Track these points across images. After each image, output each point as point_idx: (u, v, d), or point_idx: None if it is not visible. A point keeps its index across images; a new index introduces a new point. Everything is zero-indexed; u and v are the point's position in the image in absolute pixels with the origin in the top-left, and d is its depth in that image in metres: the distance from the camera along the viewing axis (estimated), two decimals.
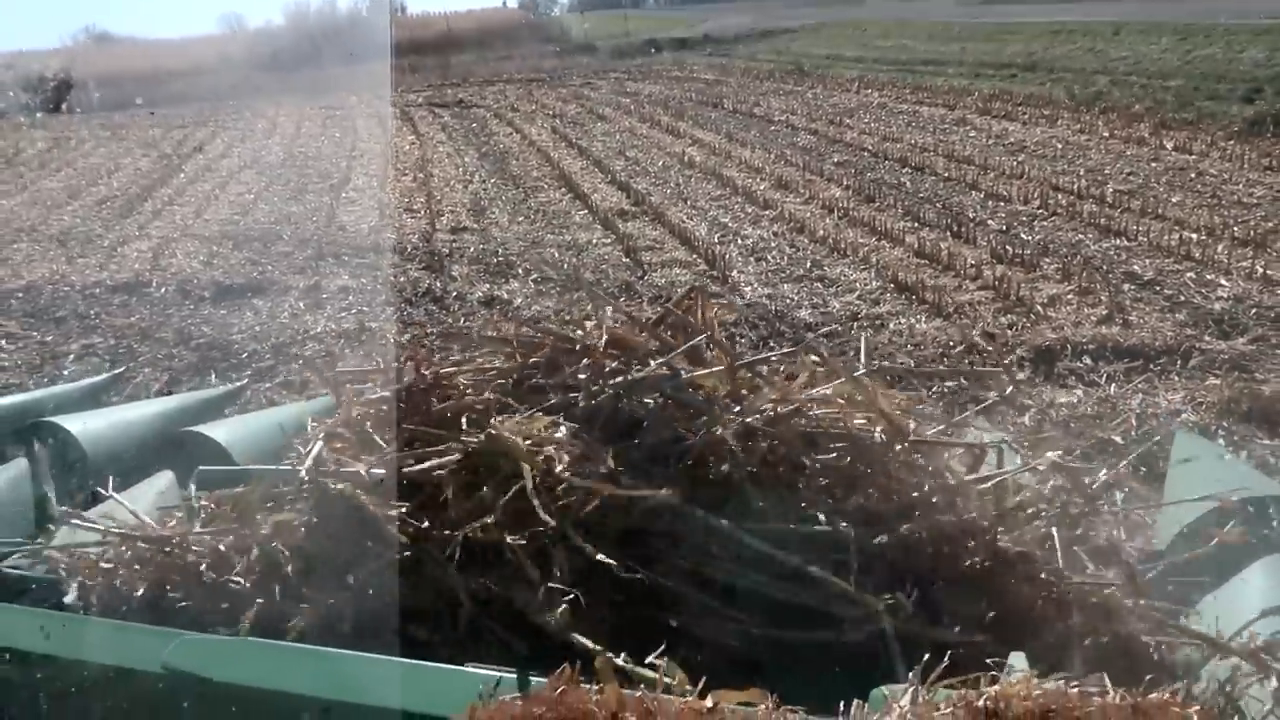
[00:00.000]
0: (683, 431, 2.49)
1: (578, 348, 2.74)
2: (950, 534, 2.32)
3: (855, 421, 2.57)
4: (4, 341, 6.89)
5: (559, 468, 2.27)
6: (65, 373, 6.03)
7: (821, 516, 2.30)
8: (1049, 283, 6.64)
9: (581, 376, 2.64)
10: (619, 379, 2.60)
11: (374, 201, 11.07)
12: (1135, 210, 8.25)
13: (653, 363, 2.67)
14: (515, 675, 1.77)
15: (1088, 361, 5.30)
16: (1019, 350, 5.47)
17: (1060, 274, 6.78)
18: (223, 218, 10.75)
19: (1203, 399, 4.70)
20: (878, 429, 2.52)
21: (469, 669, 1.88)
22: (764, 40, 34.46)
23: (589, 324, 2.85)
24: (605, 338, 2.74)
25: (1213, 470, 2.88)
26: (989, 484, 2.52)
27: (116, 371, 5.65)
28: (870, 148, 12.27)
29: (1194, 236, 7.31)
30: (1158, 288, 6.38)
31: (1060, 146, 11.47)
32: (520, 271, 7.78)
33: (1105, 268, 6.83)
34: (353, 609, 2.20)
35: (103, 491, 2.83)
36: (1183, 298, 6.16)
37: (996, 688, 1.59)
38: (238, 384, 5.30)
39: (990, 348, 5.55)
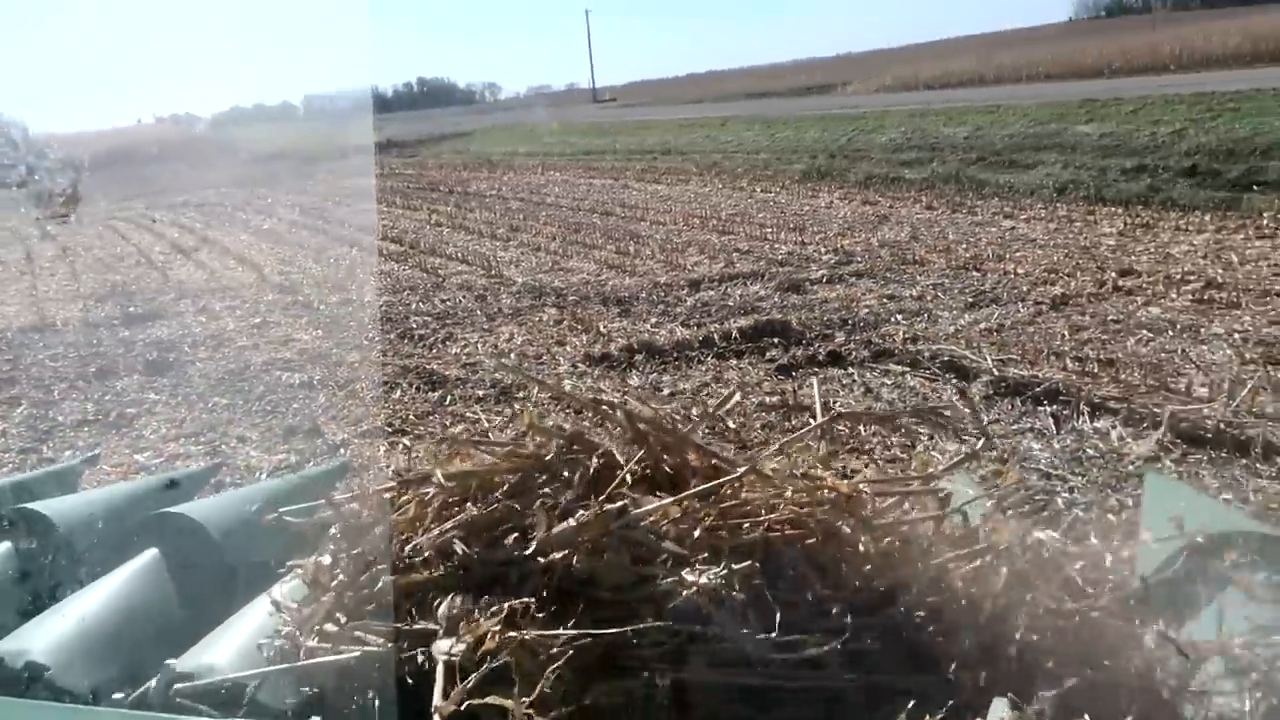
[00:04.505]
0: (643, 573, 2.40)
1: (542, 478, 2.67)
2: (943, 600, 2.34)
3: (818, 507, 2.56)
4: None
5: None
6: (38, 457, 6.27)
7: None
8: (692, 258, 11.39)
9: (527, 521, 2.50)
10: (560, 528, 2.45)
11: (218, 263, 13.83)
12: (739, 221, 13.49)
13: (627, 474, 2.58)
14: None
15: (716, 283, 9.95)
16: (683, 279, 10.04)
17: (698, 253, 11.57)
18: (70, 288, 12.99)
19: (767, 289, 9.47)
20: (839, 519, 2.52)
21: None
22: (444, 142, 39.26)
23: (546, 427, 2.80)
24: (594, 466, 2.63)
25: (1183, 509, 2.87)
26: (955, 528, 2.56)
27: (91, 454, 5.71)
28: (566, 205, 17.03)
29: (769, 230, 12.53)
30: (750, 254, 11.32)
31: (693, 195, 16.96)
32: (368, 288, 11.30)
33: (722, 249, 11.73)
34: None
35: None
36: (763, 255, 11.12)
37: None
38: (211, 464, 5.37)
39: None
